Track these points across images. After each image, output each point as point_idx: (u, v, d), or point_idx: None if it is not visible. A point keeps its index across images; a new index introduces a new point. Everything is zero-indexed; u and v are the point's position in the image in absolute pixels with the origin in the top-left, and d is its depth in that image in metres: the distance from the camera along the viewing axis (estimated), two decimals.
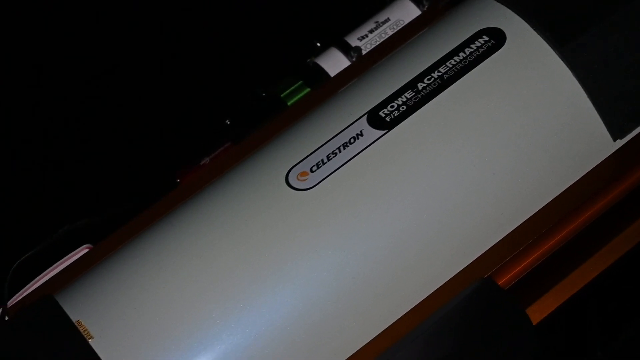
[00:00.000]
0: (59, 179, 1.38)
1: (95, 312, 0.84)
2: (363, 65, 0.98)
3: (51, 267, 0.93)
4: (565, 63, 0.88)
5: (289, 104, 1.00)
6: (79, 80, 1.45)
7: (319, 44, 1.03)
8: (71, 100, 1.45)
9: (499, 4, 0.91)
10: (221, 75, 1.39)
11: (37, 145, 1.43)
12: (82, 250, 0.94)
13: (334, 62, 1.01)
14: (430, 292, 0.85)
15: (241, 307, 0.83)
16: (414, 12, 1.02)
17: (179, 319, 0.83)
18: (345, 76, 0.99)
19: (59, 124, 1.44)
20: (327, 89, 0.98)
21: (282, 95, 1.01)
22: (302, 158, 0.88)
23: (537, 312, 0.88)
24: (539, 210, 0.87)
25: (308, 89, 1.00)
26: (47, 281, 0.92)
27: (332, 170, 0.87)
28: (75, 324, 0.84)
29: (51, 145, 1.42)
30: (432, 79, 0.89)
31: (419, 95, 0.89)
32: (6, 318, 0.90)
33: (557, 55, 0.88)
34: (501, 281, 0.87)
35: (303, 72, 1.02)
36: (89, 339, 0.83)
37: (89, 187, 1.34)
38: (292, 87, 1.01)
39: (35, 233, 0.92)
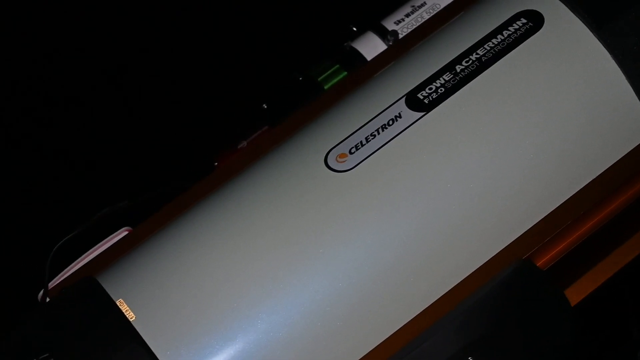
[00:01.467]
0: (100, 161, 1.40)
1: (137, 292, 0.85)
2: (400, 49, 0.99)
3: (91, 250, 0.94)
4: (603, 45, 0.88)
5: (325, 87, 1.00)
6: (120, 64, 1.46)
7: (355, 28, 1.04)
8: (115, 84, 1.46)
9: None
10: (258, 59, 1.40)
11: (80, 127, 1.45)
12: (122, 233, 0.95)
13: (371, 46, 1.02)
14: (469, 273, 0.86)
15: (282, 288, 0.83)
16: None
17: (219, 298, 0.84)
18: (382, 60, 0.99)
19: (101, 107, 1.45)
20: (363, 73, 0.98)
21: (318, 79, 1.01)
22: (340, 140, 0.88)
23: (576, 294, 0.89)
24: (579, 191, 0.87)
25: (345, 73, 1.01)
26: (87, 263, 0.93)
27: (371, 152, 0.87)
28: (117, 303, 0.85)
29: (93, 128, 1.43)
30: (470, 62, 0.89)
31: (457, 78, 0.89)
32: (47, 299, 0.91)
33: (595, 37, 0.88)
34: (540, 262, 0.87)
35: (340, 56, 1.02)
36: (131, 318, 0.84)
37: (129, 170, 1.36)
38: (329, 71, 1.01)
39: (76, 216, 0.93)
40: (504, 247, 0.86)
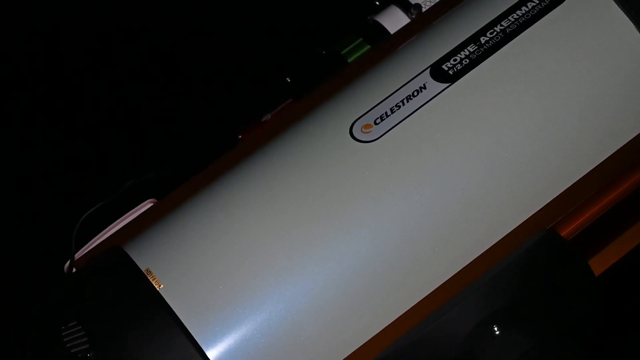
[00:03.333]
0: (124, 134, 1.41)
1: (164, 261, 0.86)
2: (423, 22, 0.99)
3: (117, 221, 0.95)
4: (627, 15, 0.88)
5: (349, 61, 1.01)
6: (144, 35, 1.47)
7: (378, 2, 1.04)
8: (140, 57, 1.47)
9: None
10: (282, 33, 1.40)
11: (107, 101, 1.45)
12: (147, 205, 0.95)
13: (394, 20, 1.02)
14: (494, 243, 0.86)
15: (308, 257, 0.84)
16: None
17: (245, 268, 0.85)
18: (405, 33, 1.00)
19: (126, 79, 1.46)
20: (387, 46, 0.98)
21: (342, 53, 1.01)
22: (365, 111, 0.89)
23: (600, 264, 0.89)
24: (604, 161, 0.87)
25: (368, 46, 1.01)
26: (113, 234, 0.94)
27: (396, 123, 0.87)
28: (144, 272, 0.85)
29: (118, 102, 1.44)
30: (495, 33, 0.90)
31: (482, 49, 0.89)
32: (74, 270, 0.91)
33: (620, 8, 0.88)
34: (564, 232, 0.88)
35: (363, 30, 1.02)
36: (159, 287, 0.84)
37: (154, 143, 1.36)
38: (352, 45, 1.02)
39: (102, 187, 0.94)
40: (528, 216, 0.86)
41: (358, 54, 1.01)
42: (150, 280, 0.85)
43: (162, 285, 0.84)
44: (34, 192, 1.46)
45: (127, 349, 0.82)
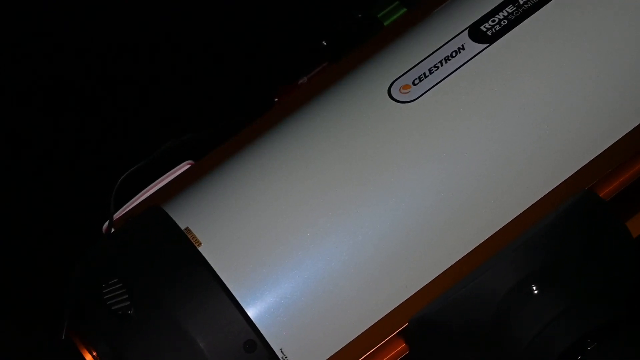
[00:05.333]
0: (163, 96, 1.42)
1: (203, 220, 0.86)
2: None
3: (155, 182, 0.95)
4: None
5: (385, 24, 1.01)
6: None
7: None
8: (178, 19, 1.47)
9: None
10: None
11: (152, 59, 1.46)
12: (185, 166, 0.96)
13: None
14: (532, 203, 0.86)
15: (347, 216, 0.84)
16: None
17: (284, 227, 0.85)
18: None
19: (167, 41, 1.46)
20: (423, 9, 0.98)
21: (378, 16, 1.01)
22: (404, 71, 0.89)
23: (638, 226, 0.89)
24: None
25: (404, 9, 1.01)
26: (151, 194, 0.94)
27: (435, 83, 0.88)
28: (184, 231, 0.86)
29: (160, 62, 1.45)
30: None
31: (520, 10, 0.89)
32: (112, 230, 0.92)
33: None
34: (602, 193, 0.88)
35: None
36: (198, 245, 0.85)
37: (190, 106, 1.37)
38: (389, 8, 1.01)
39: (141, 150, 0.94)
40: (567, 177, 0.86)
41: (394, 17, 1.01)
42: (190, 238, 0.85)
43: (201, 244, 0.85)
44: (74, 154, 1.47)
45: (167, 305, 0.83)
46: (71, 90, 1.50)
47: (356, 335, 0.84)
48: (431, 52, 0.89)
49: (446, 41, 0.89)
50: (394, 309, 0.85)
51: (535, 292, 0.84)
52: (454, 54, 0.89)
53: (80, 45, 1.50)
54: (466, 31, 0.89)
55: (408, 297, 0.85)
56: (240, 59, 1.42)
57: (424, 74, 0.88)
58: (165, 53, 1.48)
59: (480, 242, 0.85)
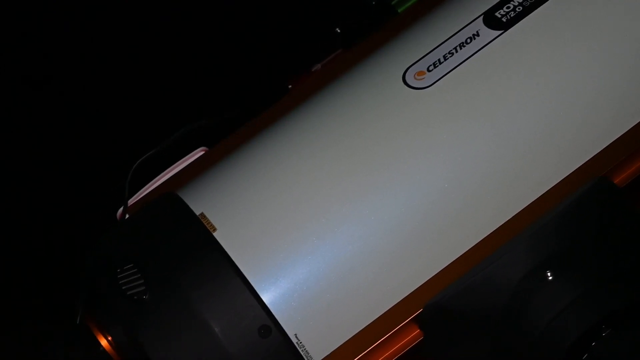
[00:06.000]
0: (175, 83, 1.42)
1: (218, 206, 0.87)
2: None
3: (169, 168, 0.95)
4: None
5: (399, 11, 1.01)
6: None
7: None
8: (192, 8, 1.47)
9: None
10: None
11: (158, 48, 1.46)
12: (199, 153, 0.96)
13: None
14: (548, 189, 0.86)
15: (361, 202, 0.85)
16: None
17: (298, 212, 0.85)
18: None
19: (181, 30, 1.47)
20: None
21: (392, 3, 1.01)
22: (418, 58, 0.89)
23: None
24: None
25: None
26: (165, 181, 0.94)
27: (450, 69, 0.87)
28: (199, 217, 0.86)
29: (171, 49, 1.45)
30: None
31: None
32: (126, 216, 0.92)
33: None
34: (617, 180, 0.88)
35: None
36: (213, 231, 0.85)
37: (206, 92, 1.37)
38: None
39: (155, 136, 0.95)
40: (582, 163, 0.86)
41: (408, 4, 1.01)
42: (205, 224, 0.85)
43: (216, 229, 0.85)
44: (88, 139, 1.47)
45: (182, 290, 0.83)
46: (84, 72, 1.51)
47: (371, 321, 0.84)
48: (446, 38, 0.89)
49: (461, 27, 0.89)
50: (409, 294, 0.85)
51: (550, 278, 0.84)
52: (468, 40, 0.89)
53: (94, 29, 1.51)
54: (481, 17, 0.89)
55: (423, 282, 0.85)
56: (254, 46, 1.42)
57: (439, 60, 0.88)
58: (180, 39, 1.48)
59: (495, 228, 0.85)
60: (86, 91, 1.50)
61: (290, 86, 1.00)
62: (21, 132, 1.51)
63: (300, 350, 0.83)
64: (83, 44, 1.51)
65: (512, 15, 0.89)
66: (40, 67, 1.52)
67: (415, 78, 0.88)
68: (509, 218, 0.86)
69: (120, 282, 0.84)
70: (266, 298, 0.83)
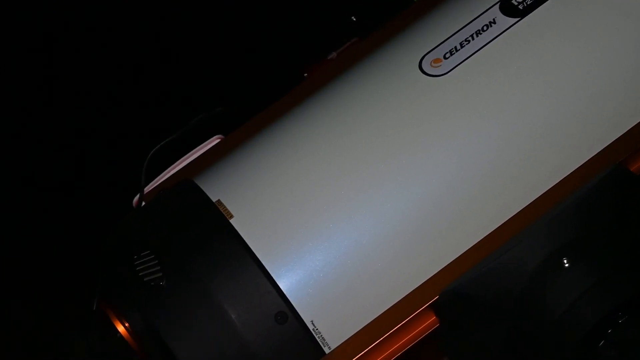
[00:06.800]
0: (191, 71, 1.42)
1: (234, 193, 0.87)
2: None
3: (185, 156, 0.96)
4: None
5: None
6: None
7: None
8: None
9: None
10: None
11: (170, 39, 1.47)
12: (215, 140, 0.96)
13: None
14: (563, 177, 0.86)
15: (377, 188, 0.85)
16: None
17: (315, 200, 0.85)
18: None
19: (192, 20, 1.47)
20: None
21: None
22: (435, 45, 0.89)
23: None
24: None
25: None
26: (182, 168, 0.95)
27: (466, 57, 0.87)
28: (215, 203, 0.86)
29: (184, 39, 1.46)
30: None
31: None
32: (143, 203, 0.93)
33: None
34: (634, 167, 0.87)
35: None
36: (229, 217, 0.85)
37: (222, 80, 1.38)
38: None
39: (171, 123, 0.95)
40: (598, 150, 0.86)
41: None
42: (221, 211, 0.86)
43: (233, 216, 0.85)
44: (104, 128, 1.48)
45: (199, 277, 0.83)
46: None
47: (387, 308, 0.84)
48: (462, 25, 0.89)
49: (477, 15, 0.89)
50: (426, 281, 0.85)
51: (567, 265, 0.84)
52: (485, 27, 0.89)
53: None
54: (497, 5, 0.89)
55: (440, 269, 0.85)
56: (271, 35, 1.42)
57: (455, 47, 0.88)
58: (197, 26, 1.48)
59: (512, 214, 0.85)
60: (102, 79, 1.50)
61: (306, 75, 1.00)
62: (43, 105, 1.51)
63: (316, 336, 0.83)
64: (93, 28, 1.51)
65: (528, 3, 0.89)
66: (42, 62, 1.53)
67: (431, 65, 0.88)
68: (527, 205, 0.86)
69: (137, 268, 0.84)
70: (283, 285, 0.83)
